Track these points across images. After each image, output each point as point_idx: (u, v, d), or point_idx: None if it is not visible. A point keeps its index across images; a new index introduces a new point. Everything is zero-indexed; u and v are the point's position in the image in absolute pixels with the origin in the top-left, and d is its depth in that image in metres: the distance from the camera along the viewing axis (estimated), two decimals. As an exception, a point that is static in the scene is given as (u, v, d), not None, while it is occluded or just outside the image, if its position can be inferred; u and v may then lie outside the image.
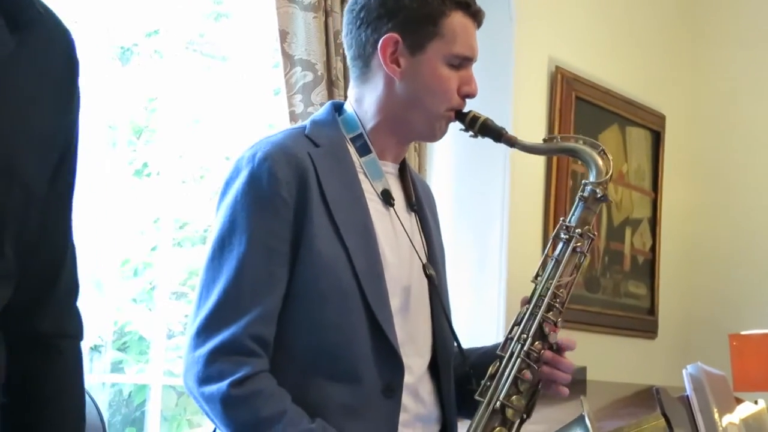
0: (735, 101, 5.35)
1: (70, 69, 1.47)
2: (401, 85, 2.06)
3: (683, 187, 5.34)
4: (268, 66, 4.15)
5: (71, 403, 1.57)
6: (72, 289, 1.55)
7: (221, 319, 1.91)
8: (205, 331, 1.92)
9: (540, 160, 4.35)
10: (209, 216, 4.22)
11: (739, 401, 2.48)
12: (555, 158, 4.34)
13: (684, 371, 2.27)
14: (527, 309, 2.05)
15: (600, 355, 4.45)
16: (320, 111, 2.17)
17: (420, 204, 2.18)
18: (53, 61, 1.44)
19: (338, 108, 2.14)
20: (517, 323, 2.06)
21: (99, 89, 3.76)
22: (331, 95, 3.60)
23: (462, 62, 2.07)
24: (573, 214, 2.10)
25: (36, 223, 1.43)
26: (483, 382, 2.04)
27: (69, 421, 1.57)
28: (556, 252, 2.08)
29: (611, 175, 2.09)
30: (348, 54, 2.13)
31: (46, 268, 1.50)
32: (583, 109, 4.57)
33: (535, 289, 2.07)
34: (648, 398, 2.82)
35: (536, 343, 2.03)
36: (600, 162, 2.08)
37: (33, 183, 1.40)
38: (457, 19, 2.05)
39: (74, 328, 1.57)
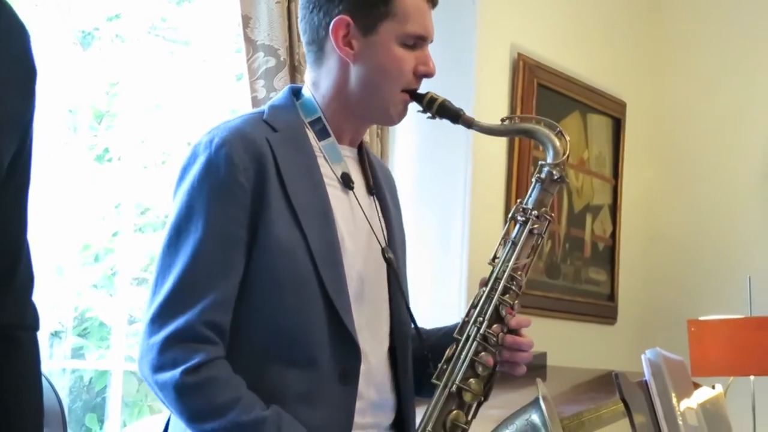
0: (694, 90, 5.40)
1: (29, 61, 1.47)
2: (355, 67, 2.05)
3: (643, 174, 5.38)
4: (230, 51, 4.13)
5: (30, 394, 1.57)
6: (28, 280, 1.55)
7: (176, 306, 1.90)
8: (159, 318, 1.91)
9: (502, 145, 4.37)
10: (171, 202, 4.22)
11: (696, 386, 2.50)
12: (517, 142, 4.35)
13: (643, 356, 2.28)
14: (483, 292, 2.05)
15: (560, 341, 4.47)
16: (278, 95, 2.16)
17: (379, 188, 2.17)
18: (12, 52, 1.44)
19: (296, 92, 2.13)
20: (473, 306, 2.06)
21: (60, 73, 3.73)
22: (293, 81, 3.59)
23: (416, 42, 2.05)
24: (530, 196, 2.09)
25: None
26: (440, 365, 2.04)
27: (28, 412, 1.56)
28: (513, 234, 2.08)
29: (568, 156, 2.08)
30: (303, 39, 2.12)
31: (3, 261, 1.50)
32: (544, 95, 4.59)
33: (492, 271, 2.07)
34: (607, 383, 2.84)
35: (493, 326, 2.03)
36: (557, 143, 2.08)
37: None
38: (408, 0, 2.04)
39: (32, 319, 1.56)
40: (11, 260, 1.51)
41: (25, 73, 1.47)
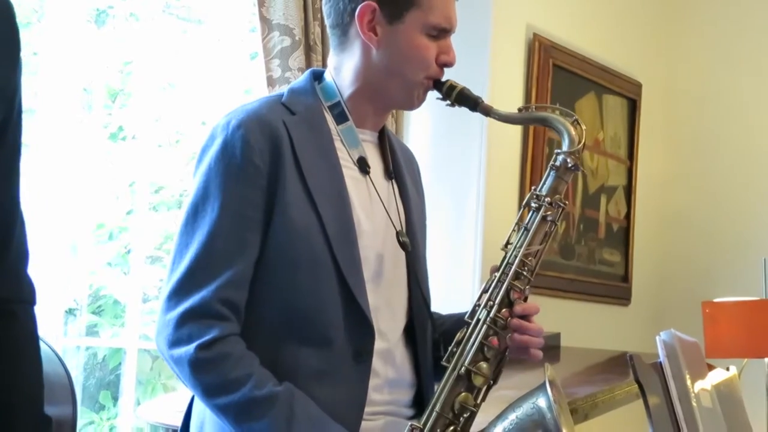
0: (711, 70, 5.37)
1: (11, 32, 1.47)
2: (379, 53, 2.07)
3: (658, 155, 5.36)
4: (244, 30, 4.12)
5: (28, 367, 1.57)
6: (23, 253, 1.55)
7: (192, 283, 1.94)
8: (176, 294, 1.95)
9: (517, 129, 4.35)
10: (185, 180, 4.23)
11: (711, 368, 2.49)
12: (532, 127, 4.34)
13: (657, 338, 2.28)
14: (495, 276, 2.06)
15: (574, 322, 4.47)
16: (299, 79, 2.18)
17: (399, 172, 2.18)
18: None
19: (318, 76, 2.15)
20: (485, 290, 2.06)
21: (74, 52, 3.73)
22: (308, 60, 3.58)
23: (440, 33, 2.07)
24: (544, 183, 2.10)
25: None
26: (450, 348, 2.04)
27: (27, 385, 1.57)
28: (526, 220, 2.09)
29: (584, 145, 2.09)
30: (327, 22, 2.15)
31: None
32: (560, 76, 4.57)
33: (504, 256, 2.07)
34: (621, 364, 2.84)
35: (503, 310, 2.03)
36: (573, 131, 2.08)
37: None
38: None
39: (27, 293, 1.57)
40: (4, 235, 1.51)
41: (8, 43, 1.47)
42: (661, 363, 2.24)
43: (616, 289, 5.05)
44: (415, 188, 2.26)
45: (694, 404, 2.22)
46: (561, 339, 3.93)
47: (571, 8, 4.78)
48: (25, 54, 1.51)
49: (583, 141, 2.09)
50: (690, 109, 5.41)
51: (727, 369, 2.57)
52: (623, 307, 5.11)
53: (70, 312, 3.95)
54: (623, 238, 5.10)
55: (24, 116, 1.53)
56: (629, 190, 5.13)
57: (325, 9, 2.15)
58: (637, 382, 2.16)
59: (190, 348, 1.90)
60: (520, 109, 2.16)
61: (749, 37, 5.28)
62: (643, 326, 4.98)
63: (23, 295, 1.56)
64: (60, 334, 3.73)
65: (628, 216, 5.12)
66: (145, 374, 4.22)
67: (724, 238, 5.21)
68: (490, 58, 4.23)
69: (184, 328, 1.92)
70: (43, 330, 1.75)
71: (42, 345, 2.03)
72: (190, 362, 1.91)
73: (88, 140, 3.96)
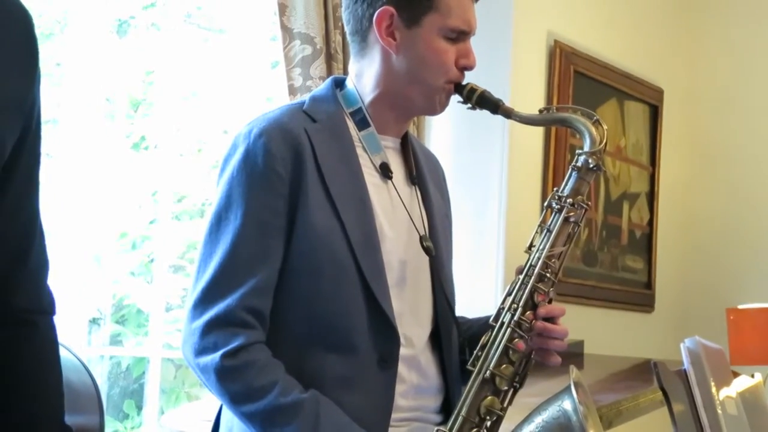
0: (733, 75, 5.35)
1: (30, 45, 1.48)
2: (398, 58, 2.07)
3: (681, 162, 5.34)
4: (265, 39, 4.13)
5: (49, 377, 1.59)
6: (43, 264, 1.56)
7: (217, 292, 1.95)
8: (201, 303, 1.95)
9: (538, 132, 4.35)
10: (207, 189, 4.24)
11: (736, 375, 2.48)
12: (553, 130, 4.33)
13: (681, 345, 2.27)
14: (519, 279, 2.06)
15: (597, 329, 4.46)
16: (321, 86, 2.19)
17: (422, 177, 2.18)
18: (14, 34, 1.45)
19: (340, 83, 2.16)
20: (509, 293, 2.06)
21: (96, 62, 3.74)
22: (329, 69, 3.59)
23: (459, 36, 2.07)
24: (566, 184, 2.09)
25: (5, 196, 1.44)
26: (475, 352, 2.04)
27: (48, 395, 1.58)
28: (549, 222, 2.08)
29: (605, 145, 2.08)
30: (347, 29, 2.15)
31: (17, 243, 1.51)
32: (581, 83, 4.56)
33: (528, 259, 2.07)
34: (645, 371, 2.83)
35: (527, 312, 2.03)
36: (594, 132, 2.07)
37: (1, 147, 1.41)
38: None
39: (48, 304, 1.58)
40: (24, 245, 1.52)
41: (27, 55, 1.48)
42: (685, 370, 2.23)
43: (639, 296, 5.03)
44: (440, 193, 2.25)
45: (719, 412, 2.21)
46: (584, 346, 3.91)
47: (592, 15, 4.77)
48: (48, 65, 1.52)
49: (605, 141, 2.08)
50: (712, 115, 5.38)
51: (752, 376, 2.56)
52: (647, 314, 5.09)
53: (94, 321, 3.97)
54: (646, 244, 5.08)
55: (47, 126, 1.54)
56: (651, 197, 5.11)
57: (344, 16, 2.15)
58: (662, 389, 2.15)
59: (215, 356, 1.91)
60: (541, 111, 2.15)
61: (771, 42, 5.26)
62: (667, 333, 4.96)
63: (43, 305, 1.57)
64: (84, 343, 3.74)
65: (650, 222, 5.10)
66: (168, 383, 4.23)
67: (748, 244, 5.18)
68: (511, 66, 4.22)
69: (209, 336, 1.93)
70: (67, 339, 1.76)
71: (68, 354, 2.04)
72: (216, 370, 1.91)
73: (110, 150, 3.97)
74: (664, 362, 2.18)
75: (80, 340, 3.68)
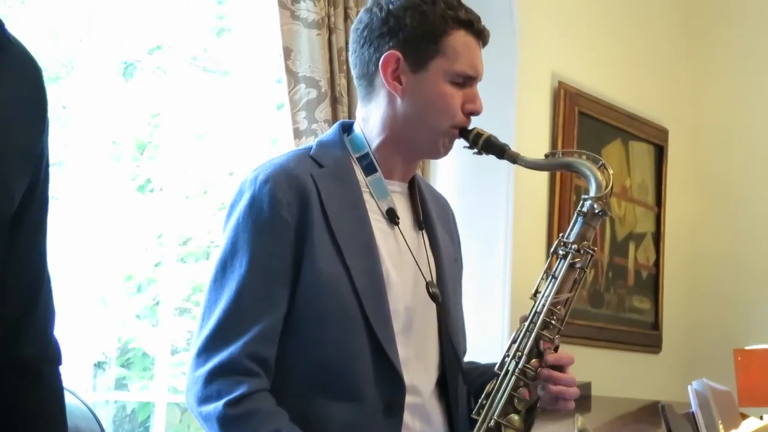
0: (737, 115, 5.35)
1: (39, 95, 1.49)
2: (404, 102, 2.06)
3: (686, 202, 5.33)
4: (271, 81, 4.15)
5: (54, 427, 1.57)
6: (50, 313, 1.56)
7: (221, 340, 1.94)
8: (205, 351, 1.95)
9: (544, 176, 4.35)
10: (213, 231, 4.24)
11: (744, 417, 2.47)
12: (559, 173, 4.33)
13: (689, 387, 2.26)
14: (524, 326, 2.05)
15: (604, 370, 4.43)
16: (328, 132, 2.19)
17: (429, 222, 2.17)
18: (24, 84, 1.46)
19: (347, 128, 2.15)
20: (514, 341, 2.05)
21: (102, 104, 3.76)
22: (334, 112, 3.60)
23: (465, 81, 2.07)
24: (571, 230, 2.09)
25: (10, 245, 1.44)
26: (480, 400, 2.03)
27: None
28: (554, 268, 2.07)
29: (611, 190, 2.07)
30: (353, 73, 2.15)
31: (26, 292, 1.51)
32: (586, 123, 4.57)
33: (533, 306, 2.06)
34: (653, 413, 2.81)
35: (533, 360, 2.02)
36: (600, 176, 2.07)
37: (9, 197, 1.41)
38: (459, 38, 2.06)
39: (54, 353, 1.57)
40: (33, 294, 1.52)
41: (36, 105, 1.48)
42: (693, 413, 2.22)
43: (646, 336, 5.01)
44: (449, 236, 2.24)
45: (728, 454, 2.20)
46: (591, 388, 3.89)
47: (596, 56, 4.78)
48: (54, 107, 1.52)
49: (611, 186, 2.07)
50: (718, 154, 5.38)
51: (761, 418, 2.55)
52: (654, 355, 5.07)
53: (99, 365, 3.96)
54: (652, 285, 5.06)
55: (53, 168, 1.54)
56: (658, 237, 5.10)
57: (351, 60, 2.15)
58: (670, 432, 2.14)
59: (218, 405, 1.90)
60: (546, 155, 2.15)
61: (776, 81, 5.27)
62: (675, 374, 4.93)
63: (50, 355, 1.56)
64: (89, 388, 3.73)
65: (657, 263, 5.09)
66: (174, 427, 4.21)
67: (755, 284, 5.17)
68: (516, 107, 4.23)
69: (212, 384, 1.92)
70: (72, 384, 1.75)
71: (74, 400, 2.03)
72: (219, 419, 1.90)
73: (116, 192, 3.98)
74: (671, 404, 2.18)
75: (85, 385, 3.66)
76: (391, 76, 2.06)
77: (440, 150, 2.11)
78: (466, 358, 2.27)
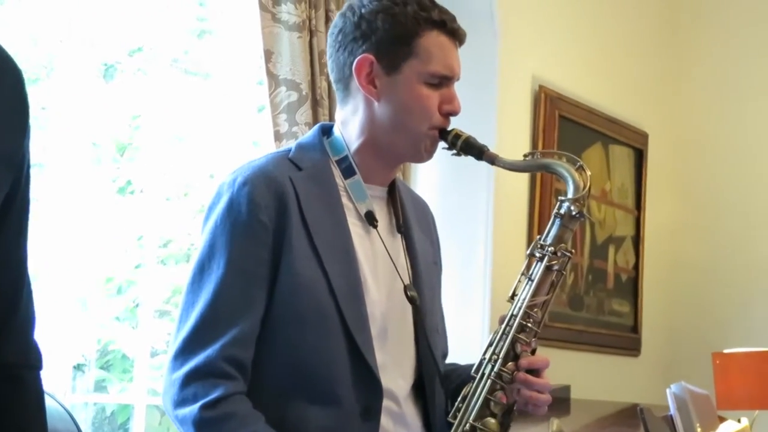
0: (718, 119, 5.38)
1: (20, 100, 1.48)
2: (380, 106, 2.06)
3: (666, 205, 5.36)
4: (252, 83, 4.14)
5: None
6: (30, 317, 1.55)
7: (197, 342, 1.93)
8: (182, 354, 1.94)
9: (524, 178, 4.36)
10: (193, 233, 4.23)
11: (722, 420, 2.48)
12: (539, 175, 4.34)
13: (668, 390, 2.27)
14: (500, 329, 2.04)
15: (584, 373, 4.45)
16: (307, 134, 2.18)
17: (408, 226, 2.16)
18: (4, 90, 1.45)
19: (327, 131, 2.14)
20: (490, 344, 2.05)
21: (82, 106, 3.75)
22: (315, 115, 3.60)
23: (441, 81, 2.06)
24: (549, 232, 2.08)
25: None
26: (456, 403, 2.03)
27: None
28: (531, 270, 2.07)
29: (588, 191, 2.06)
30: (331, 77, 2.15)
31: (6, 297, 1.50)
32: (566, 127, 4.58)
33: (510, 308, 2.05)
34: (631, 416, 2.83)
35: (509, 363, 2.01)
36: (577, 177, 2.05)
37: None
38: (432, 39, 2.04)
39: (35, 358, 1.56)
40: (13, 299, 1.51)
41: (18, 110, 1.47)
42: (671, 416, 2.23)
43: (625, 339, 5.02)
44: (429, 239, 2.23)
45: (706, 457, 2.21)
46: (571, 391, 3.90)
47: (577, 60, 4.80)
48: (34, 109, 1.52)
49: (588, 187, 2.06)
50: (697, 158, 5.41)
51: (739, 421, 2.56)
52: (633, 358, 5.09)
53: (78, 367, 3.94)
54: (632, 288, 5.08)
55: (33, 170, 1.54)
56: (637, 240, 5.12)
57: (328, 64, 2.14)
58: (648, 435, 2.15)
59: (194, 408, 1.90)
60: (525, 156, 2.13)
61: (755, 86, 5.29)
62: (654, 377, 4.95)
63: (30, 360, 1.56)
64: (68, 390, 3.71)
65: (636, 266, 5.11)
66: (153, 429, 4.20)
67: (734, 288, 5.19)
68: (496, 110, 4.24)
69: (189, 387, 1.91)
70: (51, 386, 1.74)
71: (53, 402, 2.02)
72: (195, 422, 1.90)
73: (96, 194, 3.96)
74: (650, 407, 2.18)
75: (64, 387, 3.65)
76: (365, 80, 2.05)
77: (422, 154, 2.10)
78: (447, 360, 2.27)
